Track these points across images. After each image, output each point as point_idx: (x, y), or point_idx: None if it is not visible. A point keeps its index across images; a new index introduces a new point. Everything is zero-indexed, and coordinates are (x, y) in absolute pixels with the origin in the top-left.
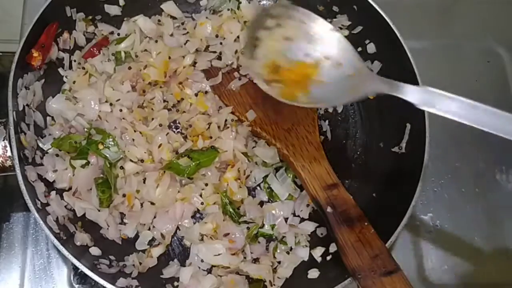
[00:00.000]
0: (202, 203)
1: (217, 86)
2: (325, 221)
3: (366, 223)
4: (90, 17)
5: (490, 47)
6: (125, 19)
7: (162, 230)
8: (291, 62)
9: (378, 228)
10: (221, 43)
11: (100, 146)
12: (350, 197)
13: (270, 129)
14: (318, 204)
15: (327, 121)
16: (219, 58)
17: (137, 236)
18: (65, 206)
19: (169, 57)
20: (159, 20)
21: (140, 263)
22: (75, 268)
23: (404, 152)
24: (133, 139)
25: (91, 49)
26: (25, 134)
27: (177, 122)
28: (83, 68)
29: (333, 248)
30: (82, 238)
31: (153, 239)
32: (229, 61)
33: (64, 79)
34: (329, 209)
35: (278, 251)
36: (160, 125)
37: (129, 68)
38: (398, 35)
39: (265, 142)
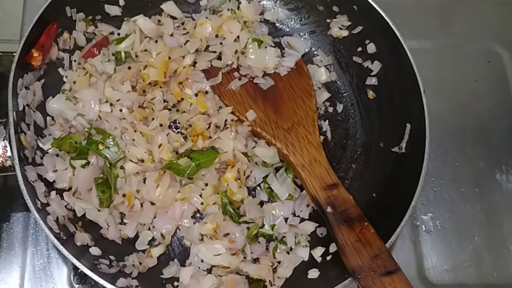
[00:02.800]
0: (202, 203)
1: (217, 86)
2: (325, 221)
3: (366, 223)
4: (90, 17)
5: (490, 47)
6: (125, 19)
7: (162, 230)
8: None
9: (378, 228)
10: (221, 43)
11: (100, 146)
12: (350, 197)
13: (270, 129)
14: (318, 204)
15: (327, 121)
16: (219, 58)
17: (137, 236)
18: (65, 206)
19: (169, 57)
20: (159, 20)
21: (140, 263)
22: (75, 268)
23: (404, 152)
24: (133, 139)
25: (91, 49)
26: (25, 134)
27: (177, 122)
28: (83, 68)
29: (333, 248)
30: (82, 238)
31: (153, 239)
32: (229, 61)
33: (64, 79)
34: (329, 209)
35: (278, 251)
36: (161, 125)
37: (129, 68)
38: (398, 35)
39: (265, 142)
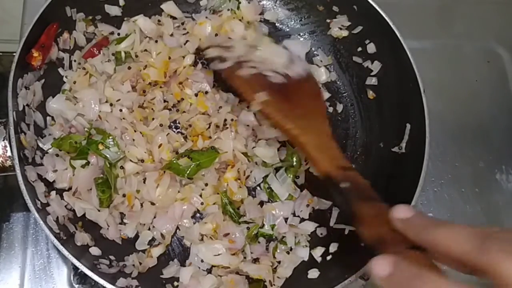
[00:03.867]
0: (202, 203)
1: (226, 69)
2: (338, 200)
3: (384, 206)
4: (90, 17)
5: (490, 47)
6: (125, 19)
7: (162, 230)
8: None
9: None
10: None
11: (100, 146)
12: (367, 182)
13: (280, 112)
14: (331, 180)
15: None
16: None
17: (137, 236)
18: (65, 206)
19: (169, 57)
20: (159, 20)
21: (140, 263)
22: (75, 268)
23: (404, 152)
24: (133, 139)
25: (91, 49)
26: (25, 134)
27: (177, 122)
28: (83, 68)
29: (333, 248)
30: (82, 238)
31: (153, 239)
32: (239, 53)
33: (64, 79)
34: (344, 184)
35: (278, 251)
36: (161, 125)
37: (129, 68)
38: (398, 35)
39: (266, 142)
